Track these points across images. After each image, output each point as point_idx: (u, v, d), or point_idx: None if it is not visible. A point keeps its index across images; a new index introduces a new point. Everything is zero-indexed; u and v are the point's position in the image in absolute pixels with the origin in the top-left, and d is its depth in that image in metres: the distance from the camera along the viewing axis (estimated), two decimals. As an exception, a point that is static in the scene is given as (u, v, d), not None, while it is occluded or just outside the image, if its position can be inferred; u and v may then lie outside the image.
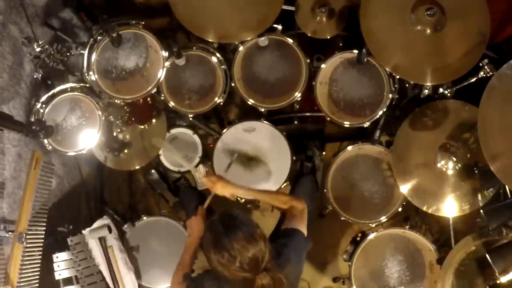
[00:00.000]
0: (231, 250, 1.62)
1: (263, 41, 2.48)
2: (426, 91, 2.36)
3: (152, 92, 2.44)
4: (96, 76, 2.35)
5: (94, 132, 2.34)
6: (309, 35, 2.52)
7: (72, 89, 2.34)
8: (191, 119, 2.70)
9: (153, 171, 3.07)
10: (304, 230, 1.95)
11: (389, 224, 2.70)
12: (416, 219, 2.89)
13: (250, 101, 2.56)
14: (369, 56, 2.41)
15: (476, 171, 2.27)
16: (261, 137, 2.61)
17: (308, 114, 2.76)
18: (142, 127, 2.70)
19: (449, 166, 2.31)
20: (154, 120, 2.71)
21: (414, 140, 2.41)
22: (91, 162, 3.00)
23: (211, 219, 1.75)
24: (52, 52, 2.21)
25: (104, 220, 2.40)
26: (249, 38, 2.46)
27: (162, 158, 2.79)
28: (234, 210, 1.75)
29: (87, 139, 2.35)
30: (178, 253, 2.15)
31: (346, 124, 2.51)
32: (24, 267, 2.08)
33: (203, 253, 2.07)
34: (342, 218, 2.57)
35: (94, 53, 2.32)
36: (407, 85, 2.53)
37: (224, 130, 2.63)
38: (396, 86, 2.47)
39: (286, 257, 1.83)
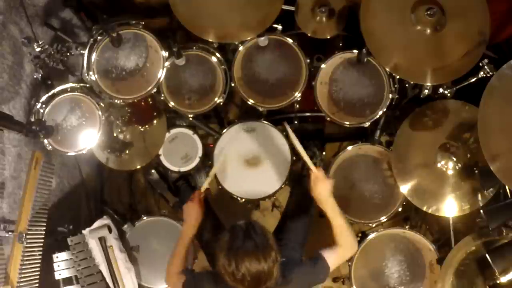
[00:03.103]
0: (239, 262, 1.62)
1: (263, 41, 2.48)
2: (426, 91, 2.36)
3: (152, 92, 2.44)
4: (96, 76, 2.35)
5: (94, 132, 2.34)
6: (309, 35, 2.52)
7: (72, 89, 2.35)
8: (191, 119, 2.70)
9: (153, 171, 3.07)
10: (332, 267, 1.95)
11: (389, 224, 2.70)
12: (416, 219, 2.89)
13: (250, 101, 2.56)
14: (369, 56, 2.41)
15: (476, 171, 2.27)
16: (261, 137, 2.61)
17: (308, 114, 2.76)
18: (142, 127, 2.71)
19: (449, 166, 2.31)
20: (154, 121, 2.71)
21: (414, 140, 2.41)
22: (91, 162, 3.00)
23: (236, 223, 1.75)
24: (52, 52, 2.21)
25: (104, 220, 2.41)
26: (249, 38, 2.46)
27: (162, 158, 2.79)
28: (260, 225, 1.75)
29: (87, 139, 2.34)
30: (178, 253, 2.15)
31: (346, 124, 2.51)
32: (24, 267, 2.09)
33: (209, 255, 2.08)
34: (342, 218, 2.57)
35: (94, 53, 2.32)
36: (407, 85, 2.53)
37: (224, 130, 2.63)
38: (396, 86, 2.47)
39: (294, 277, 1.84)
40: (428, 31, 2.18)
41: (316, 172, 2.05)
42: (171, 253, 2.09)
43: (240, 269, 1.62)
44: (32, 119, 2.23)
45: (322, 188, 2.02)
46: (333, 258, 1.96)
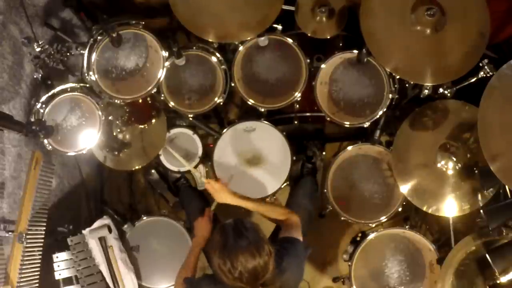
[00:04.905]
0: (234, 260, 1.62)
1: (263, 41, 2.48)
2: (426, 91, 2.36)
3: (152, 92, 2.44)
4: (96, 76, 2.35)
5: (94, 132, 2.34)
6: (309, 35, 2.52)
7: (72, 89, 2.35)
8: (191, 119, 2.70)
9: (153, 171, 3.07)
10: (301, 238, 1.97)
11: (389, 224, 2.70)
12: (416, 219, 2.89)
13: (250, 101, 2.56)
14: (369, 56, 2.42)
15: (476, 171, 2.27)
16: (261, 137, 2.61)
17: (308, 114, 2.76)
18: (142, 127, 2.70)
19: (449, 166, 2.31)
20: (154, 120, 2.71)
21: (414, 140, 2.41)
22: (91, 162, 3.00)
23: (224, 223, 1.75)
24: (52, 52, 2.21)
25: (104, 220, 2.41)
26: (249, 38, 2.46)
27: (162, 158, 2.79)
28: (249, 221, 1.74)
29: (87, 139, 2.34)
30: (178, 253, 2.15)
31: (346, 124, 2.51)
32: (24, 267, 2.09)
33: (208, 253, 2.09)
34: (342, 218, 2.57)
35: (94, 53, 2.32)
36: (407, 85, 2.53)
37: (224, 130, 2.63)
38: (396, 86, 2.47)
39: (286, 265, 1.83)
40: (428, 31, 2.18)
41: (209, 185, 2.13)
42: (182, 265, 2.13)
43: (237, 267, 1.61)
44: (32, 119, 2.23)
45: (224, 196, 2.11)
46: (296, 232, 1.98)
